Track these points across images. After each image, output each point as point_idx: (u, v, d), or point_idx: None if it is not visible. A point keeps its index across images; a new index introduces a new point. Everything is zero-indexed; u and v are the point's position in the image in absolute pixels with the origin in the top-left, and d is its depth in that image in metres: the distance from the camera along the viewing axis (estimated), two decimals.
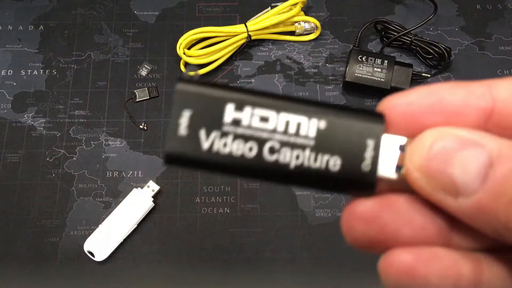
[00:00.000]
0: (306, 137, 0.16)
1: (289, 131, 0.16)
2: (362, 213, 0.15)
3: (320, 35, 0.55)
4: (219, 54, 0.52)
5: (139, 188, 0.47)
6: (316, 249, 0.46)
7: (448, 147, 0.14)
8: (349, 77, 0.51)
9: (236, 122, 0.15)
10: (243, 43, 0.53)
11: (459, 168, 0.14)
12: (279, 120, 0.16)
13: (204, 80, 0.16)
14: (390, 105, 0.16)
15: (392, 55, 0.53)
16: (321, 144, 0.16)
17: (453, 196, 0.14)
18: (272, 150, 0.15)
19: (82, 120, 0.51)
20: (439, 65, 0.53)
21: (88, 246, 0.45)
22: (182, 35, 0.52)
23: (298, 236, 0.47)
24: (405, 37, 0.53)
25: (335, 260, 0.46)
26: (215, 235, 0.47)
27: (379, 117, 0.16)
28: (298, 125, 0.16)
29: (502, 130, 0.15)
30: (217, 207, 0.48)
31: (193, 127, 0.15)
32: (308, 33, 0.55)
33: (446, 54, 0.51)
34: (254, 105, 0.15)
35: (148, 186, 0.47)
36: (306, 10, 0.56)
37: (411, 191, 0.15)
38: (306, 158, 0.15)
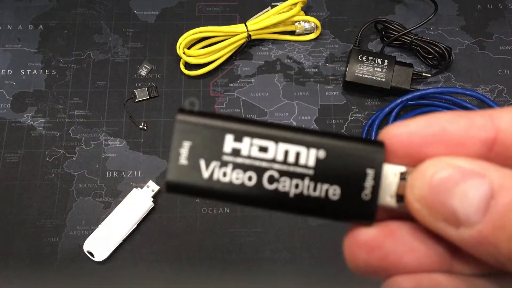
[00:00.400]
0: (305, 166, 0.16)
1: (288, 160, 0.16)
2: (365, 242, 0.15)
3: (320, 34, 0.55)
4: (219, 54, 0.52)
5: (138, 188, 0.47)
6: (316, 250, 0.46)
7: (449, 178, 0.14)
8: (350, 76, 0.51)
9: (236, 152, 0.16)
10: (243, 43, 0.53)
11: (460, 199, 0.14)
12: (278, 150, 0.16)
13: (204, 111, 0.16)
14: (391, 134, 0.16)
15: (392, 54, 0.53)
16: (321, 173, 0.16)
17: (455, 227, 0.14)
18: (271, 179, 0.16)
19: (82, 120, 0.51)
20: (440, 64, 0.53)
21: (87, 246, 0.45)
22: (182, 34, 0.52)
23: (298, 236, 0.47)
24: (405, 37, 0.52)
25: (335, 261, 0.45)
26: (215, 235, 0.47)
27: (379, 146, 0.16)
28: (297, 154, 0.16)
29: (505, 160, 0.15)
30: (217, 207, 0.48)
31: (193, 157, 0.16)
32: (308, 32, 0.55)
33: (447, 54, 0.51)
34: (253, 135, 0.16)
35: (148, 186, 0.47)
36: (306, 10, 0.56)
37: (412, 218, 0.15)
38: (306, 187, 0.16)
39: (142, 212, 0.46)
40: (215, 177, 0.16)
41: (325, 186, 0.16)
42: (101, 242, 0.45)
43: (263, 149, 0.16)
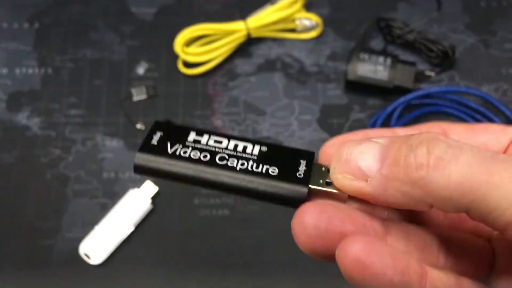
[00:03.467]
0: (250, 154, 0.20)
1: (237, 149, 0.20)
2: (314, 210, 0.18)
3: (321, 32, 0.54)
4: (218, 52, 0.51)
5: (135, 188, 0.46)
6: None
7: (349, 148, 0.18)
8: (351, 75, 0.50)
9: (196, 141, 0.21)
10: (243, 41, 0.52)
11: (360, 156, 0.18)
12: (230, 143, 0.21)
13: (175, 124, 0.21)
14: (326, 147, 0.21)
15: (395, 53, 0.52)
16: (263, 158, 0.20)
17: (364, 180, 0.18)
18: (222, 158, 0.20)
19: (78, 119, 0.50)
20: (443, 63, 0.52)
21: (84, 248, 0.44)
22: (180, 32, 0.51)
23: None
24: (408, 35, 0.51)
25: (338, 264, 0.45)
26: (215, 238, 0.46)
27: (311, 152, 0.21)
28: (245, 147, 0.21)
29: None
30: (216, 208, 0.47)
31: (162, 140, 0.21)
32: (309, 30, 0.54)
33: (450, 52, 0.50)
34: (212, 134, 0.21)
35: (145, 187, 0.46)
36: (307, 7, 0.55)
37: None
38: (250, 165, 0.20)
39: (140, 213, 0.45)
40: (177, 152, 0.20)
41: (266, 166, 0.20)
42: (98, 244, 0.44)
43: (218, 142, 0.21)
